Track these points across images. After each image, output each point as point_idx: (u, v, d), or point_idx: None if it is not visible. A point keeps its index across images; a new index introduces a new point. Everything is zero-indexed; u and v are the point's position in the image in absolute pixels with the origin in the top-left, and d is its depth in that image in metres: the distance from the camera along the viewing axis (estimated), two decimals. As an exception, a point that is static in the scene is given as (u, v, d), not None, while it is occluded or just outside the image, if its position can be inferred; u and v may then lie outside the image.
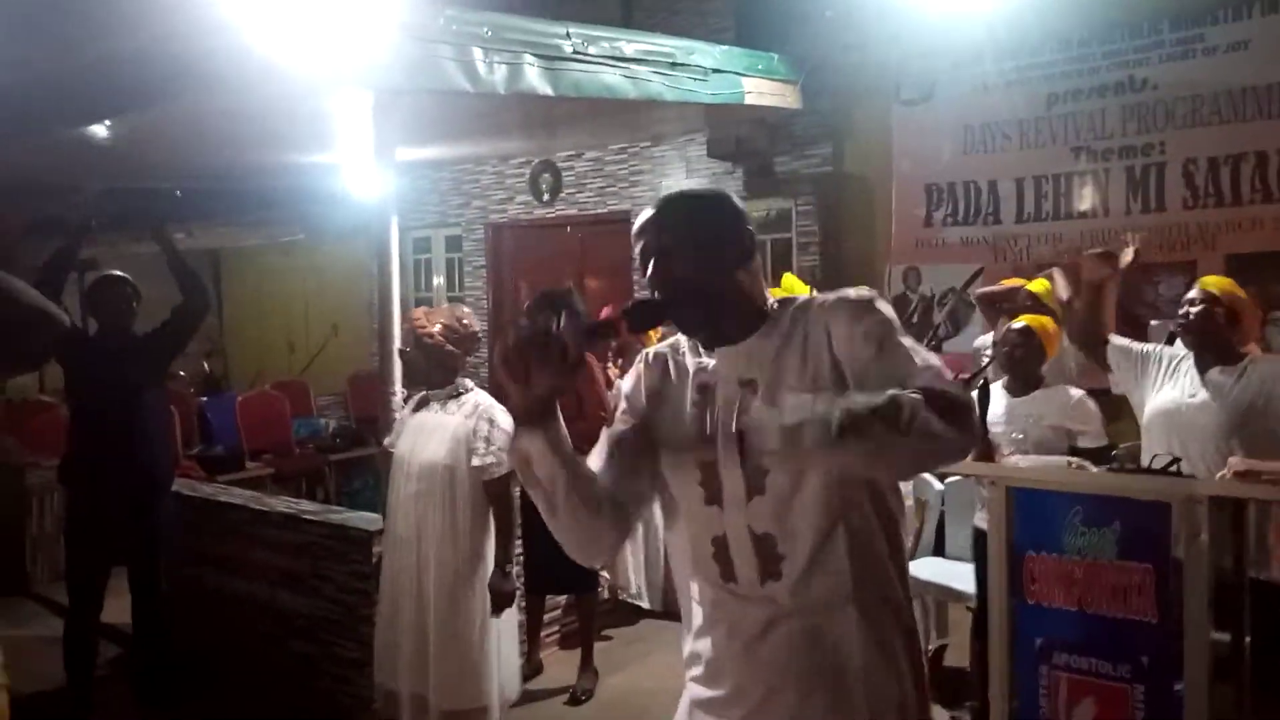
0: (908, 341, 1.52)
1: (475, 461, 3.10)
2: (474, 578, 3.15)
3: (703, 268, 1.60)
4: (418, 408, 3.32)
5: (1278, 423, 3.03)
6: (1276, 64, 4.66)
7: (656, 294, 1.60)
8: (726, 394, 1.60)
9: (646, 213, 1.64)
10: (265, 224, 9.52)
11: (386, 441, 3.51)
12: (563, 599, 4.69)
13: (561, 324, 1.43)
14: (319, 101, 4.51)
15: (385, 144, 4.07)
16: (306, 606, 4.10)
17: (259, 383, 9.00)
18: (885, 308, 1.57)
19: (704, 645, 1.64)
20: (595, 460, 1.65)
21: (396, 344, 4.03)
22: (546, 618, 4.55)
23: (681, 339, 1.71)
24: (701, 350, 1.67)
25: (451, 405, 3.20)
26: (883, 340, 1.51)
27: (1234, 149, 4.82)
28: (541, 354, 1.41)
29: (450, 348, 3.21)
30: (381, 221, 4.02)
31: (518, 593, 4.38)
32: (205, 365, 10.12)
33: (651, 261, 1.61)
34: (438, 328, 3.20)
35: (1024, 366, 3.55)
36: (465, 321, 3.28)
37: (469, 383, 3.28)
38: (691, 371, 1.67)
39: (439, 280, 8.76)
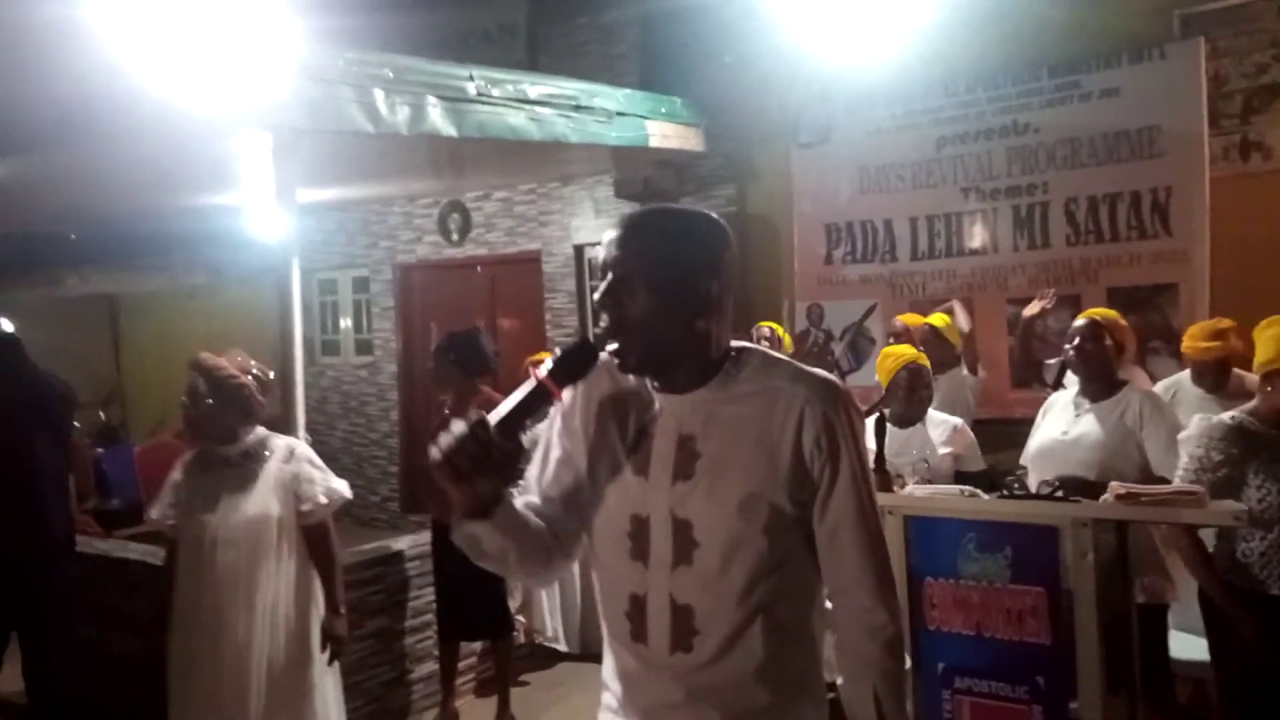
0: (861, 479, 1.48)
1: (305, 506, 2.95)
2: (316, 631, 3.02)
3: (660, 313, 1.43)
4: (204, 470, 3.02)
5: (1149, 452, 3.21)
6: (1145, 109, 4.95)
7: (602, 321, 1.46)
8: (663, 447, 1.48)
9: (617, 228, 1.47)
10: (165, 268, 9.23)
11: (157, 515, 3.06)
12: (478, 645, 4.61)
13: (493, 427, 1.34)
14: (217, 143, 4.43)
15: (286, 185, 4.01)
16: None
17: (159, 432, 8.68)
18: (860, 425, 1.50)
19: (615, 689, 1.57)
20: (533, 482, 1.58)
21: (299, 388, 3.92)
22: (461, 665, 4.47)
23: None
24: (649, 383, 1.52)
25: (261, 455, 2.99)
26: (838, 473, 1.45)
27: (1110, 188, 5.08)
28: (482, 462, 1.34)
29: (255, 393, 2.99)
30: (283, 264, 3.95)
31: (432, 640, 4.32)
32: (101, 415, 9.73)
33: (605, 284, 1.45)
34: (242, 373, 2.97)
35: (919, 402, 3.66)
36: (257, 370, 3.06)
37: (263, 430, 3.06)
38: (630, 399, 1.52)
39: (346, 322, 8.62)
